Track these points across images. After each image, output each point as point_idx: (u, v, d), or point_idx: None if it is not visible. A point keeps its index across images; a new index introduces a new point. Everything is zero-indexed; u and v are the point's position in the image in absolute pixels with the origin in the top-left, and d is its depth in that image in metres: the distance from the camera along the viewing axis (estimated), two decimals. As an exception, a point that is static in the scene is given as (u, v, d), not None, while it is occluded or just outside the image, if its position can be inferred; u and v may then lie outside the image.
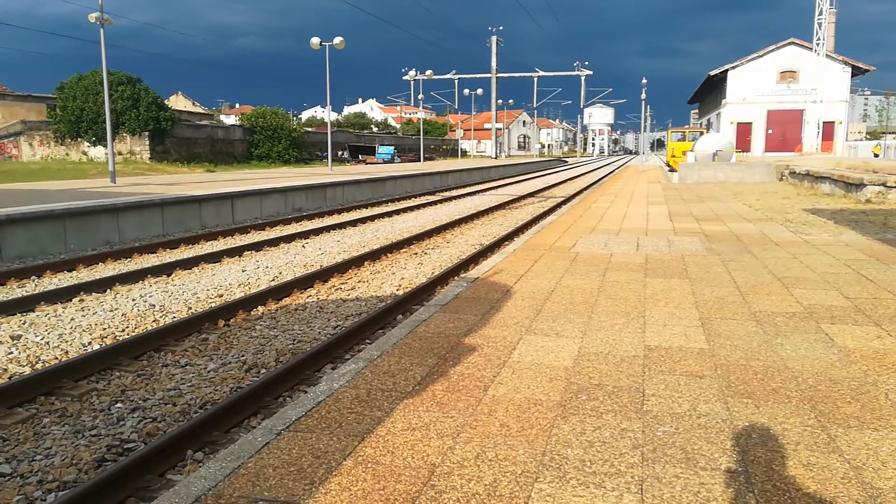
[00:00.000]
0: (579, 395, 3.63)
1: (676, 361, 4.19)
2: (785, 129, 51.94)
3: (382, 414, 3.39)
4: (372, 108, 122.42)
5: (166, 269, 9.84)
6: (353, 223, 16.09)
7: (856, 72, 52.61)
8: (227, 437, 4.25)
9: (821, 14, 41.49)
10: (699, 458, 2.90)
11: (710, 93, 64.40)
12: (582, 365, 4.13)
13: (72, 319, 7.24)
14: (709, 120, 65.25)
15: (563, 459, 2.90)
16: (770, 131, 52.93)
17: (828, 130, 48.65)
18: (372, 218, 17.14)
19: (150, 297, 8.31)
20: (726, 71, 54.00)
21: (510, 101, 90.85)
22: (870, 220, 11.83)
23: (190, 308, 7.73)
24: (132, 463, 3.70)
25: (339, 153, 56.10)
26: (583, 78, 62.24)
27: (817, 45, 42.24)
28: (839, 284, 6.39)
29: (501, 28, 64.26)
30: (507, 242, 11.67)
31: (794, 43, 51.85)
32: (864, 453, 2.94)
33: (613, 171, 44.99)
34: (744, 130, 53.15)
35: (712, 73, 55.22)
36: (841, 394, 3.64)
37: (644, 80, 50.31)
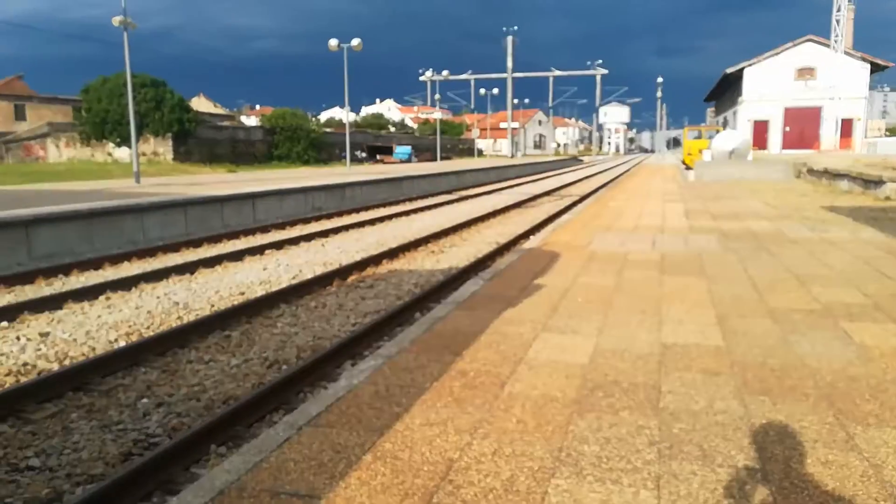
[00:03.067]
0: (595, 392, 3.65)
1: (693, 359, 4.20)
2: (803, 127, 51.41)
3: (401, 410, 3.43)
4: (389, 109, 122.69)
5: (190, 268, 10.00)
6: (372, 222, 16.18)
7: (875, 68, 51.93)
8: (249, 432, 4.31)
9: (839, 11, 41.02)
10: (716, 455, 2.91)
11: (727, 91, 63.85)
12: (598, 362, 4.15)
13: (98, 317, 7.37)
14: (725, 118, 64.72)
15: (580, 455, 2.93)
16: (787, 129, 52.42)
17: (846, 127, 48.10)
18: (390, 217, 17.21)
19: (175, 294, 8.44)
20: (742, 69, 53.54)
21: (526, 100, 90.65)
22: (889, 217, 11.71)
23: (213, 305, 7.85)
24: (157, 457, 3.79)
25: (358, 153, 56.31)
26: (598, 77, 62.05)
27: (835, 41, 41.77)
28: (858, 282, 6.35)
29: (517, 28, 64.09)
30: (522, 241, 11.68)
31: (811, 40, 51.28)
32: (883, 451, 2.93)
33: (629, 169, 44.77)
34: (760, 128, 52.68)
35: (728, 70, 54.76)
36: (859, 391, 3.63)
37: (660, 79, 50.24)
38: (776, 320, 5.06)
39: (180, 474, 3.81)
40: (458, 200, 22.38)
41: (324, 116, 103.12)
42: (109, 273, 10.01)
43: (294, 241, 12.74)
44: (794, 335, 4.67)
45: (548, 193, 25.12)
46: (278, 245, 12.24)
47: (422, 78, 63.70)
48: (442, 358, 4.25)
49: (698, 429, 3.18)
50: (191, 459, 3.95)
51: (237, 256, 11.05)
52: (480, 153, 77.77)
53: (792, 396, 3.57)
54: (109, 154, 43.59)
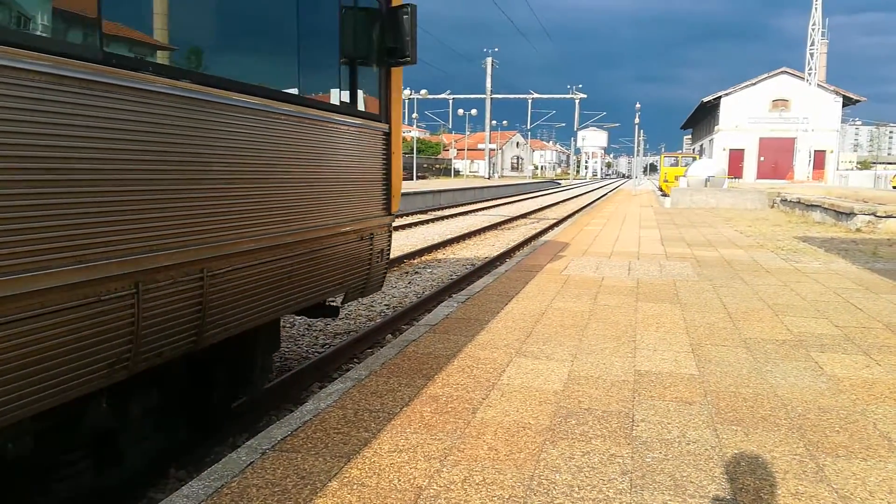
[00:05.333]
0: (568, 420, 3.61)
1: (666, 387, 4.18)
2: (777, 157, 52.48)
3: (369, 435, 3.36)
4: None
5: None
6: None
7: (847, 102, 53.35)
8: (210, 457, 4.19)
9: (812, 45, 42.12)
10: (688, 486, 2.88)
11: (703, 119, 65.06)
12: (572, 389, 4.11)
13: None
14: (701, 146, 65.84)
15: (552, 484, 2.88)
16: (762, 158, 53.46)
17: (819, 159, 49.19)
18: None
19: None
20: (719, 98, 54.65)
21: (504, 121, 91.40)
22: (860, 249, 11.91)
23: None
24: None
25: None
26: (577, 101, 62.77)
27: (809, 74, 42.83)
28: (829, 313, 6.41)
29: (497, 50, 64.78)
30: (498, 263, 11.67)
31: (786, 72, 52.58)
32: (852, 483, 2.93)
33: (606, 194, 45.23)
34: (736, 157, 53.66)
35: (705, 99, 55.87)
36: (830, 423, 3.64)
37: (638, 105, 50.84)
38: (749, 349, 5.08)
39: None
40: (433, 220, 22.36)
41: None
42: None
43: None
44: (766, 365, 4.68)
45: (524, 216, 25.21)
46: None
47: (401, 97, 63.89)
48: (413, 382, 4.19)
49: (671, 458, 3.16)
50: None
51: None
52: (457, 173, 78.14)
53: (764, 426, 3.57)
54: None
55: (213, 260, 3.17)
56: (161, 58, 3.05)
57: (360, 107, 4.74)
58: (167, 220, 2.88)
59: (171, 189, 2.90)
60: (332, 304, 5.07)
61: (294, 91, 3.98)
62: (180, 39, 3.15)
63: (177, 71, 2.98)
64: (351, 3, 4.55)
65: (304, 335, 7.25)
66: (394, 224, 5.43)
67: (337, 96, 4.52)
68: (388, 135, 5.08)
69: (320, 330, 7.47)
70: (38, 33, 2.39)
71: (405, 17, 4.71)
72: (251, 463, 3.03)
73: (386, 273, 5.52)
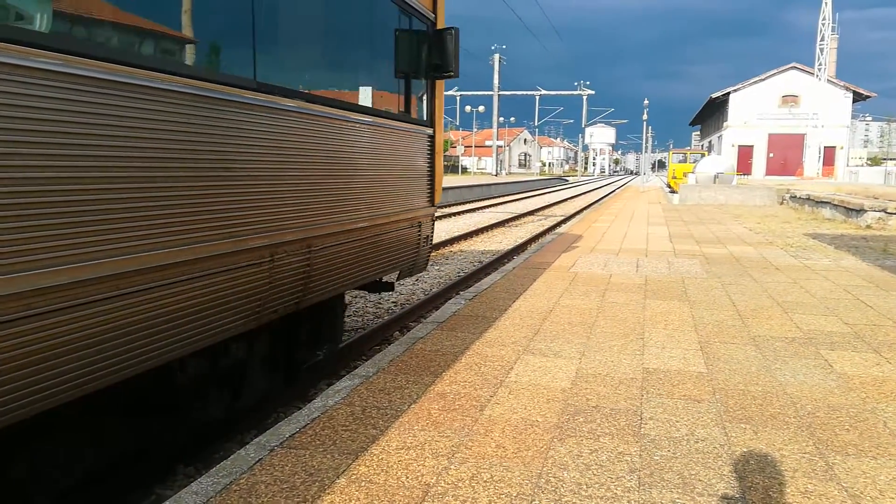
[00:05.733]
0: (576, 417, 3.61)
1: (675, 385, 4.17)
2: (786, 153, 52.15)
3: (377, 432, 3.37)
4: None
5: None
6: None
7: (857, 98, 52.94)
8: (220, 453, 4.21)
9: (822, 40, 41.82)
10: (696, 484, 2.87)
11: (712, 115, 64.72)
12: (580, 386, 4.11)
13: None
14: (710, 142, 65.51)
15: (559, 482, 2.87)
16: (771, 155, 53.13)
17: (829, 155, 48.87)
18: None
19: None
20: (728, 94, 54.33)
21: (512, 118, 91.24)
22: (870, 245, 11.83)
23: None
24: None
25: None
26: (584, 97, 62.57)
27: (819, 69, 42.53)
28: (839, 310, 6.37)
29: (505, 47, 64.54)
30: (506, 260, 11.67)
31: (795, 67, 52.21)
32: (861, 481, 2.92)
33: (614, 191, 45.11)
34: (745, 153, 53.37)
35: (714, 95, 55.56)
36: (839, 421, 3.62)
37: (646, 101, 50.63)
38: (758, 347, 5.06)
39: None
40: (440, 218, 22.37)
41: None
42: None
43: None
44: (775, 363, 4.66)
45: (532, 213, 25.18)
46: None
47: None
48: (421, 379, 4.19)
49: (679, 456, 3.15)
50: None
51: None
52: (465, 170, 78.03)
53: (773, 424, 3.55)
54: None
55: (314, 238, 4.00)
56: (312, 90, 4.15)
57: (412, 114, 5.66)
58: (290, 207, 3.73)
59: (291, 182, 3.75)
60: (387, 280, 5.99)
61: (365, 103, 4.97)
62: (321, 79, 4.48)
63: (315, 98, 4.05)
64: (405, 26, 5.36)
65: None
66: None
67: (394, 105, 5.46)
68: (432, 137, 6.02)
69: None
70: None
71: (449, 37, 5.65)
72: (259, 460, 3.04)
73: (429, 256, 6.44)
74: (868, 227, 15.15)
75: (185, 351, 3.04)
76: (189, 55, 3.18)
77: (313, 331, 5.02)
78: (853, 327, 5.71)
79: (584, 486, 2.84)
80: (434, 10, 5.79)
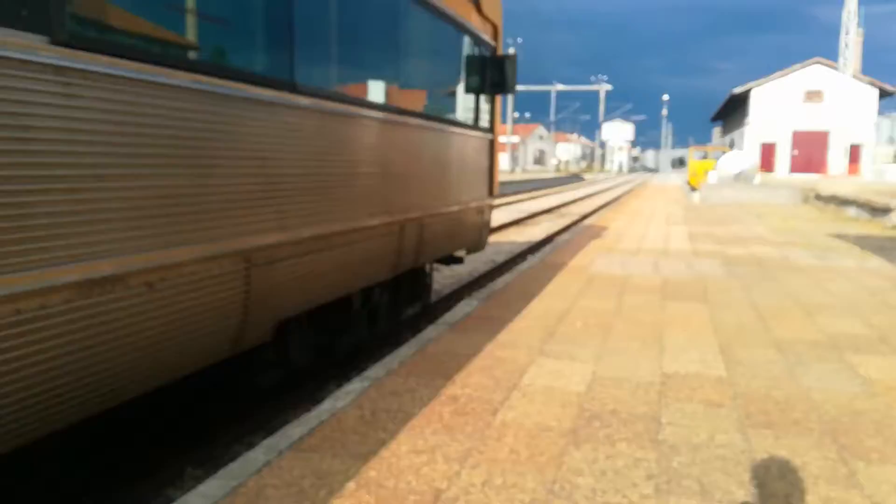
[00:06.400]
0: (592, 422, 3.53)
1: (694, 389, 4.08)
2: (810, 151, 51.34)
3: (387, 436, 3.32)
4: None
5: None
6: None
7: (883, 94, 51.92)
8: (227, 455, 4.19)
9: (847, 34, 41.15)
10: (715, 491, 2.80)
11: (734, 111, 63.97)
12: (596, 390, 4.03)
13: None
14: (732, 139, 64.79)
15: (574, 488, 2.81)
16: (795, 152, 52.34)
17: (854, 153, 48.10)
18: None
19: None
20: (750, 89, 53.55)
21: (527, 114, 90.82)
22: (896, 245, 11.60)
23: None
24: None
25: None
26: (602, 93, 62.12)
27: (843, 65, 41.85)
28: (863, 313, 6.23)
29: (520, 41, 64.14)
30: (521, 260, 11.58)
31: (819, 63, 51.33)
32: (885, 489, 2.84)
33: (632, 189, 44.75)
34: (768, 151, 52.61)
35: (736, 91, 54.82)
36: (863, 427, 3.52)
37: (665, 97, 50.16)
38: (780, 351, 4.94)
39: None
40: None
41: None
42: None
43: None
44: (798, 367, 4.55)
45: (548, 211, 25.01)
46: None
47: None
48: (432, 382, 4.14)
49: (698, 462, 3.07)
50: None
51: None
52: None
53: (795, 430, 3.46)
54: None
55: (424, 217, 5.59)
56: (417, 108, 5.69)
57: (480, 123, 7.19)
58: (412, 194, 5.33)
59: (413, 176, 5.35)
60: (458, 255, 7.49)
61: (452, 117, 6.63)
62: (430, 102, 6.22)
63: (418, 115, 5.50)
64: (475, 53, 6.89)
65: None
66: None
67: (468, 117, 6.99)
68: (492, 141, 7.66)
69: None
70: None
71: (507, 61, 7.20)
72: (268, 462, 3.00)
73: (488, 237, 8.17)
74: (894, 227, 14.86)
75: (366, 283, 4.96)
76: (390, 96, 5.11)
77: (412, 290, 6.57)
78: (878, 330, 5.57)
79: (600, 493, 2.78)
80: (495, 39, 7.48)
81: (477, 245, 7.66)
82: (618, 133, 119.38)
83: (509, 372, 4.35)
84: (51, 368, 2.32)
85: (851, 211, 18.23)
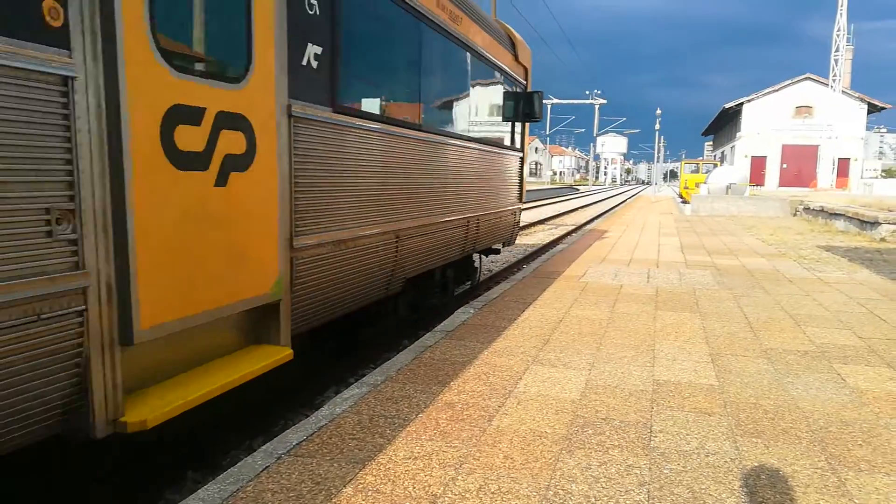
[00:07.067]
0: (585, 429, 3.58)
1: (685, 397, 4.13)
2: (800, 165, 51.78)
3: (384, 441, 3.35)
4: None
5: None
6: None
7: (872, 109, 52.53)
8: (227, 460, 4.22)
9: (837, 51, 41.60)
10: (706, 499, 2.84)
11: (725, 125, 64.46)
12: (589, 398, 4.08)
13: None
14: (723, 152, 65.23)
15: (568, 495, 2.85)
16: (785, 166, 52.76)
17: (843, 167, 48.52)
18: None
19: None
20: (741, 104, 54.06)
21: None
22: (884, 258, 11.71)
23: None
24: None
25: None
26: (596, 106, 62.45)
27: (833, 81, 42.29)
28: (852, 324, 6.31)
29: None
30: (516, 269, 11.64)
31: (809, 78, 51.89)
32: (874, 498, 2.88)
33: (625, 200, 44.95)
34: (758, 164, 53.02)
35: (727, 105, 55.30)
36: (852, 436, 3.57)
37: (658, 111, 50.40)
38: (770, 360, 5.01)
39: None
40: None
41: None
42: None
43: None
44: (787, 376, 4.61)
45: (542, 222, 25.13)
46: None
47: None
48: (429, 388, 4.18)
49: (689, 470, 3.11)
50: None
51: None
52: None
53: (785, 439, 3.51)
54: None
55: (480, 216, 7.74)
56: (477, 135, 7.76)
57: (514, 144, 9.61)
58: (475, 198, 7.42)
59: (476, 185, 7.56)
60: (496, 248, 9.59)
61: (496, 139, 8.78)
62: (484, 129, 8.16)
63: (478, 140, 7.66)
64: (512, 90, 9.24)
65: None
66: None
67: (506, 140, 9.33)
68: (522, 158, 10.08)
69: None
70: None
71: (535, 95, 9.28)
72: (267, 467, 3.03)
73: (517, 235, 10.62)
74: (882, 239, 15.01)
75: (447, 261, 6.98)
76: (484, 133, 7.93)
77: (465, 273, 8.79)
78: (867, 341, 5.65)
79: (593, 499, 2.82)
80: (526, 79, 9.95)
81: (510, 240, 9.75)
82: (612, 146, 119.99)
83: (505, 379, 4.40)
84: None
85: (840, 223, 18.40)
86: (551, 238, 18.53)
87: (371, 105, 5.17)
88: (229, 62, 3.32)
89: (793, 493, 2.92)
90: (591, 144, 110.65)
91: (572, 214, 31.27)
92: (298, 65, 3.81)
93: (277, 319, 3.77)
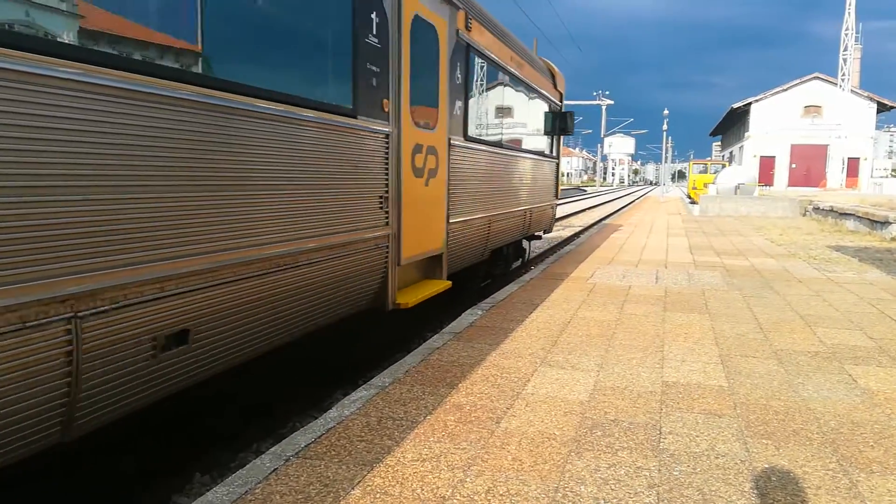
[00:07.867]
0: (594, 431, 3.57)
1: (695, 399, 4.11)
2: (809, 164, 51.50)
3: (392, 443, 3.35)
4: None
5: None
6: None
7: (881, 108, 52.18)
8: (236, 461, 4.22)
9: (845, 50, 41.37)
10: (717, 500, 2.82)
11: (733, 125, 64.18)
12: (598, 399, 4.06)
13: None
14: (731, 153, 64.95)
15: (577, 496, 2.84)
16: (794, 166, 52.49)
17: (852, 166, 48.22)
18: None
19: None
20: (750, 104, 53.81)
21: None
22: (895, 258, 11.63)
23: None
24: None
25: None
26: (603, 107, 62.34)
27: (842, 80, 42.05)
28: (863, 324, 6.26)
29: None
30: (523, 271, 11.62)
31: (818, 78, 51.62)
32: (887, 500, 2.85)
33: (633, 201, 44.80)
34: (767, 164, 52.77)
35: (735, 105, 55.07)
36: (864, 437, 3.54)
37: (666, 112, 50.18)
38: (780, 361, 4.98)
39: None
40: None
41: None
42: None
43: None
44: (798, 377, 4.58)
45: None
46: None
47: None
48: (437, 390, 4.17)
49: (699, 471, 3.10)
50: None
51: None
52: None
53: (795, 440, 3.49)
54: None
55: (532, 208, 10.24)
56: (529, 147, 10.54)
57: (552, 153, 11.89)
58: (528, 195, 9.96)
59: (532, 185, 10.22)
60: (537, 235, 11.52)
61: (541, 150, 11.08)
62: (528, 141, 10.53)
63: (530, 151, 10.43)
64: (551, 111, 11.59)
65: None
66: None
67: (547, 149, 11.49)
68: (558, 164, 12.46)
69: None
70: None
71: (568, 115, 12.08)
72: (275, 469, 3.03)
73: (554, 225, 13.17)
74: (893, 239, 14.90)
75: (511, 241, 9.40)
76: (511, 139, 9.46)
77: (517, 253, 11.13)
78: (878, 342, 5.60)
79: (602, 501, 2.80)
80: (560, 101, 12.38)
81: (549, 228, 12.24)
82: (619, 147, 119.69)
83: (513, 381, 4.39)
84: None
85: (850, 223, 18.28)
86: (559, 240, 18.49)
87: (480, 133, 7.56)
88: (431, 119, 5.92)
89: (804, 494, 2.90)
90: (599, 145, 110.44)
91: (580, 216, 31.19)
92: (451, 114, 6.41)
93: (440, 264, 6.39)
